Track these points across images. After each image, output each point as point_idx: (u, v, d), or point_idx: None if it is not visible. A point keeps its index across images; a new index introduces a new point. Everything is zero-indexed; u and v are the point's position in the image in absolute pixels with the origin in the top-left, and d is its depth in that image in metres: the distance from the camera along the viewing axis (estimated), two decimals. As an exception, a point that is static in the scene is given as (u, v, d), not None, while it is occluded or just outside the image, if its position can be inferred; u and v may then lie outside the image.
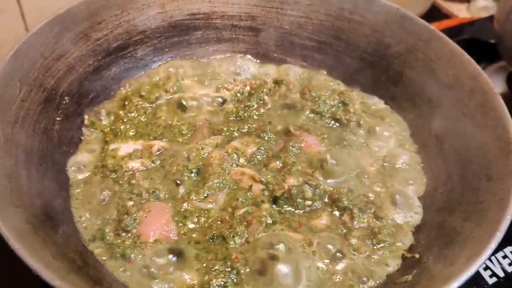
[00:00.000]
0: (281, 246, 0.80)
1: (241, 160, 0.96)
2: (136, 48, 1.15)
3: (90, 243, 0.82)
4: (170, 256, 0.80)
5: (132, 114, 1.04)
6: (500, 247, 1.05)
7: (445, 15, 2.01)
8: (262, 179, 0.91)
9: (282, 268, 0.78)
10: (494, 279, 1.00)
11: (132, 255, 0.79)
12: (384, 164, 0.99)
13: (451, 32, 1.68)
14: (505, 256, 1.05)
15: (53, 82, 0.98)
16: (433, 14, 2.00)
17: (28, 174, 0.82)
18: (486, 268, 1.02)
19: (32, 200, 0.79)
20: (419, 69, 1.06)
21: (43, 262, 0.64)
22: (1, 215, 0.66)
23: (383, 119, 1.07)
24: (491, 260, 1.04)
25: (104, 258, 0.79)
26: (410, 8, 1.73)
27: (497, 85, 1.39)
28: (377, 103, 1.11)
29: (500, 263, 1.04)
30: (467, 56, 0.96)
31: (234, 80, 1.17)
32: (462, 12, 1.99)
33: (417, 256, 0.81)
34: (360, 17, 1.14)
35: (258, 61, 1.23)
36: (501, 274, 1.01)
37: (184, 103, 1.07)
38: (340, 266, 0.81)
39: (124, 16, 1.11)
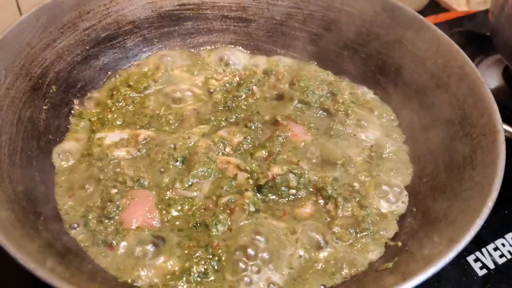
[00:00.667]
0: (262, 235, 0.80)
1: (227, 149, 0.96)
2: (125, 38, 1.15)
3: (72, 230, 0.82)
4: (152, 243, 0.79)
5: (120, 104, 1.04)
6: (491, 239, 1.05)
7: (444, 9, 2.00)
8: (247, 168, 0.91)
9: (263, 256, 0.78)
10: (484, 271, 1.00)
11: (114, 242, 0.79)
12: (371, 153, 0.98)
13: (448, 25, 1.67)
14: (496, 248, 1.05)
15: (40, 71, 0.98)
16: (432, 8, 2.00)
17: (11, 161, 0.82)
18: (477, 260, 1.01)
19: (15, 187, 0.79)
20: (408, 59, 1.05)
21: (23, 249, 0.64)
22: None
23: (372, 109, 1.07)
24: (481, 252, 1.03)
25: (86, 244, 0.80)
26: (409, 2, 1.72)
27: (493, 78, 1.39)
28: (366, 93, 1.11)
29: (491, 255, 1.03)
30: (455, 46, 0.96)
31: (224, 71, 1.16)
32: (461, 7, 1.98)
33: (399, 244, 0.81)
34: (350, 8, 1.14)
35: (249, 52, 1.23)
36: (492, 266, 1.00)
37: (173, 94, 1.07)
38: (322, 254, 0.80)
39: (113, 6, 1.11)
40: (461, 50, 0.95)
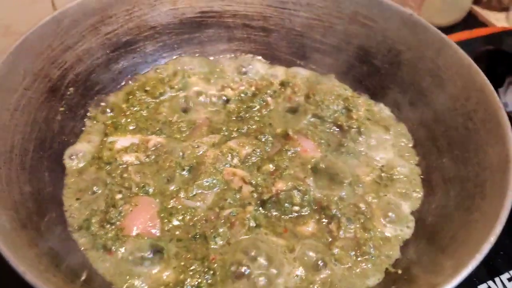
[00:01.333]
0: (259, 252, 0.79)
1: (235, 161, 0.95)
2: (145, 43, 1.16)
3: (75, 232, 0.83)
4: (150, 252, 0.80)
5: (135, 108, 1.05)
6: (506, 268, 1.01)
7: (482, 24, 1.93)
8: (252, 181, 0.90)
9: (258, 273, 0.77)
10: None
11: (113, 247, 0.80)
12: (382, 174, 0.96)
13: (484, 41, 1.61)
14: (510, 279, 1.01)
15: (59, 73, 1.00)
16: (469, 22, 1.93)
17: (21, 162, 0.85)
18: (490, 290, 0.98)
19: (22, 188, 0.81)
20: (428, 78, 1.02)
21: (17, 251, 0.66)
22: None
23: (387, 128, 1.04)
24: (494, 282, 1.00)
25: (86, 248, 0.81)
26: (445, 15, 1.67)
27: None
28: (383, 111, 1.08)
29: (504, 286, 0.99)
30: (476, 67, 0.92)
31: (240, 80, 1.16)
32: (500, 22, 1.90)
33: (399, 271, 0.79)
34: (372, 22, 1.11)
35: (268, 62, 1.22)
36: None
37: (187, 101, 1.08)
38: (319, 276, 0.79)
39: (136, 11, 1.12)
40: (481, 72, 0.91)
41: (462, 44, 1.00)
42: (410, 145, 1.02)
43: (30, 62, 0.94)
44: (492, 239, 0.66)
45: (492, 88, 0.87)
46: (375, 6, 1.10)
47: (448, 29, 1.53)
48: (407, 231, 0.87)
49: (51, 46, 0.99)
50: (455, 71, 0.96)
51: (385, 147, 1.01)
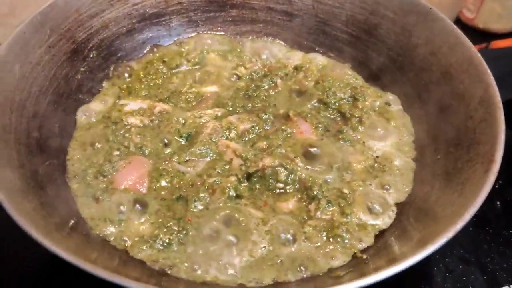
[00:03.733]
0: (233, 220, 0.83)
1: (232, 135, 0.98)
2: (172, 17, 1.21)
3: (71, 179, 0.90)
4: (133, 206, 0.85)
5: (150, 77, 1.11)
6: (507, 281, 0.97)
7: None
8: (243, 155, 0.93)
9: (228, 239, 0.80)
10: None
11: (101, 197, 0.86)
12: (375, 164, 0.95)
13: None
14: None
15: (84, 36, 1.08)
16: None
17: (34, 110, 0.93)
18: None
19: (29, 132, 0.89)
20: (439, 74, 0.99)
21: (11, 191, 0.73)
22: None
23: (390, 120, 1.03)
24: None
25: (77, 194, 0.88)
26: (504, 21, 1.58)
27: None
28: (391, 103, 1.07)
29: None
30: (485, 66, 0.89)
31: (256, 61, 1.19)
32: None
33: (364, 257, 0.79)
34: (393, 14, 1.10)
35: (288, 46, 1.24)
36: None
37: (200, 74, 1.12)
38: (286, 250, 0.80)
39: (165, -15, 1.18)
40: (489, 72, 0.88)
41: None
42: (411, 139, 1.00)
43: (57, 23, 1.02)
44: (450, 234, 0.65)
45: (496, 88, 0.85)
46: (397, -2, 1.09)
47: (503, 36, 1.47)
48: (386, 221, 0.86)
49: (78, 11, 1.06)
50: (465, 68, 0.93)
51: (384, 138, 1.00)
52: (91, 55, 1.09)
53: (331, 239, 0.82)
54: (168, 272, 0.77)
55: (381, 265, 0.72)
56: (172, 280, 0.76)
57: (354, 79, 1.11)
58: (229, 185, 0.87)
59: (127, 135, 0.97)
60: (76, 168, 0.92)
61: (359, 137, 1.00)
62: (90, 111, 1.04)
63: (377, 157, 0.97)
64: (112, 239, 0.82)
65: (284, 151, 0.94)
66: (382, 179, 0.92)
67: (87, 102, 1.06)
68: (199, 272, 0.77)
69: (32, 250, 0.87)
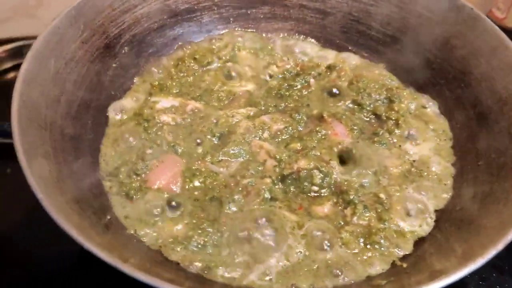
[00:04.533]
0: (269, 223, 0.81)
1: (265, 135, 0.97)
2: (203, 14, 1.20)
3: (104, 177, 0.89)
4: (166, 206, 0.84)
5: (182, 74, 1.10)
6: None
7: None
8: (277, 156, 0.92)
9: (265, 241, 0.79)
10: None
11: (135, 196, 0.85)
12: (412, 169, 0.93)
13: None
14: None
15: (116, 32, 1.07)
16: None
17: (69, 107, 0.92)
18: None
19: (63, 129, 0.88)
20: (479, 77, 0.97)
21: (47, 186, 0.72)
22: (20, 131, 0.75)
23: (427, 123, 1.01)
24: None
25: (111, 192, 0.87)
26: None
27: None
28: (428, 106, 1.04)
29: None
30: (531, 70, 0.86)
31: (288, 59, 1.17)
32: None
33: (404, 265, 0.77)
34: (430, 13, 1.07)
35: (320, 44, 1.22)
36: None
37: (232, 73, 1.11)
38: (322, 256, 0.79)
39: (197, -18, 1.16)
40: (536, 77, 0.85)
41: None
42: (450, 144, 0.97)
43: (90, 18, 1.01)
44: (499, 246, 0.63)
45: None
46: (434, -4, 1.06)
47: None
48: (425, 228, 0.84)
49: (111, 6, 1.05)
50: (508, 72, 0.90)
51: (421, 142, 0.97)
52: (123, 51, 1.08)
53: (368, 246, 0.80)
54: (203, 274, 0.76)
55: (423, 278, 0.70)
56: (207, 283, 0.75)
57: (389, 80, 1.08)
58: (264, 187, 0.86)
59: (159, 133, 0.96)
60: (110, 166, 0.91)
61: (395, 140, 0.97)
62: (122, 108, 1.03)
63: (414, 161, 0.94)
64: (146, 239, 0.81)
65: (318, 153, 0.93)
66: (420, 184, 0.90)
67: (119, 98, 1.05)
68: (234, 275, 0.76)
69: (60, 249, 0.89)
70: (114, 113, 1.02)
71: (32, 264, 0.91)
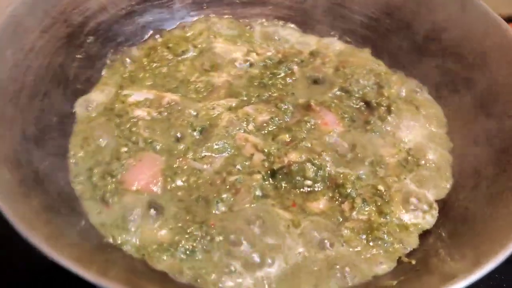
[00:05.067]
0: (261, 223, 0.74)
1: (250, 127, 0.90)
2: (174, -1, 1.11)
3: (74, 180, 0.80)
4: (148, 208, 0.76)
5: (155, 64, 1.01)
6: None
7: None
8: (265, 150, 0.85)
9: (259, 244, 0.72)
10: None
11: (111, 200, 0.76)
12: (408, 157, 0.88)
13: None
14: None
15: (80, 19, 0.97)
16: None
17: (30, 103, 0.82)
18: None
19: (26, 127, 0.78)
20: (471, 60, 0.93)
21: (11, 196, 0.63)
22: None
23: (419, 109, 0.96)
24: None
25: (83, 197, 0.78)
26: None
27: None
28: (418, 92, 0.99)
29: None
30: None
31: (268, 46, 1.10)
32: None
33: (413, 262, 0.71)
34: (417, -7, 1.02)
35: (301, 30, 1.15)
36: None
37: (209, 62, 1.02)
38: (323, 255, 0.73)
39: (165, -36, 1.07)
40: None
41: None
42: (444, 130, 0.93)
43: (50, 4, 0.91)
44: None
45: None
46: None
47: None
48: (429, 220, 0.79)
49: (74, -9, 0.95)
50: (502, 54, 0.86)
51: (416, 129, 0.92)
52: (88, 41, 0.99)
53: (371, 243, 0.75)
54: (195, 284, 0.68)
55: (433, 269, 0.65)
56: (198, 293, 0.67)
57: (376, 65, 1.03)
58: (254, 183, 0.79)
59: (134, 129, 0.87)
60: (80, 167, 0.82)
61: (388, 128, 0.92)
62: (90, 103, 0.93)
63: (409, 149, 0.89)
64: (126, 248, 0.72)
65: (309, 145, 0.86)
66: (418, 173, 0.85)
67: (86, 92, 0.96)
68: (229, 283, 0.68)
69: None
70: (82, 108, 0.92)
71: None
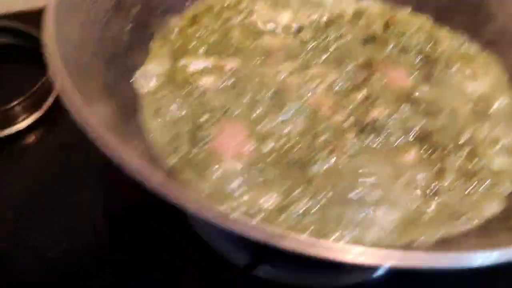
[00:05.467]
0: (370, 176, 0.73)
1: (319, 89, 0.88)
2: (208, -34, 1.06)
3: (166, 155, 0.75)
4: (248, 174, 0.73)
5: (203, 32, 0.96)
6: None
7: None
8: (344, 109, 0.83)
9: (370, 197, 0.71)
10: None
11: (207, 171, 0.72)
12: (477, 108, 0.89)
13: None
14: None
15: (122, -12, 0.91)
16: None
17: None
18: None
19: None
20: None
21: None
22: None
23: (474, 61, 0.98)
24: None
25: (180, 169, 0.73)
26: None
27: None
28: (469, 45, 1.01)
29: None
30: None
31: (308, 10, 1.07)
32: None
33: (517, 202, 0.73)
34: None
35: (335, -6, 1.13)
36: None
37: (260, 26, 0.99)
38: (433, 201, 0.73)
39: None
40: None
41: None
42: (505, 79, 0.95)
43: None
44: None
45: None
46: None
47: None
48: (517, 162, 0.81)
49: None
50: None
51: (477, 79, 0.94)
52: (134, 12, 0.92)
53: (473, 187, 0.75)
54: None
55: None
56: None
57: (423, 21, 1.03)
58: (346, 142, 0.77)
59: (204, 98, 0.83)
60: (163, 141, 0.77)
61: (451, 80, 0.93)
62: (149, 76, 0.88)
63: (476, 99, 0.91)
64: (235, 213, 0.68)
65: (384, 101, 0.86)
66: (493, 121, 0.87)
67: (140, 66, 0.90)
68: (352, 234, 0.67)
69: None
70: (142, 82, 0.87)
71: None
